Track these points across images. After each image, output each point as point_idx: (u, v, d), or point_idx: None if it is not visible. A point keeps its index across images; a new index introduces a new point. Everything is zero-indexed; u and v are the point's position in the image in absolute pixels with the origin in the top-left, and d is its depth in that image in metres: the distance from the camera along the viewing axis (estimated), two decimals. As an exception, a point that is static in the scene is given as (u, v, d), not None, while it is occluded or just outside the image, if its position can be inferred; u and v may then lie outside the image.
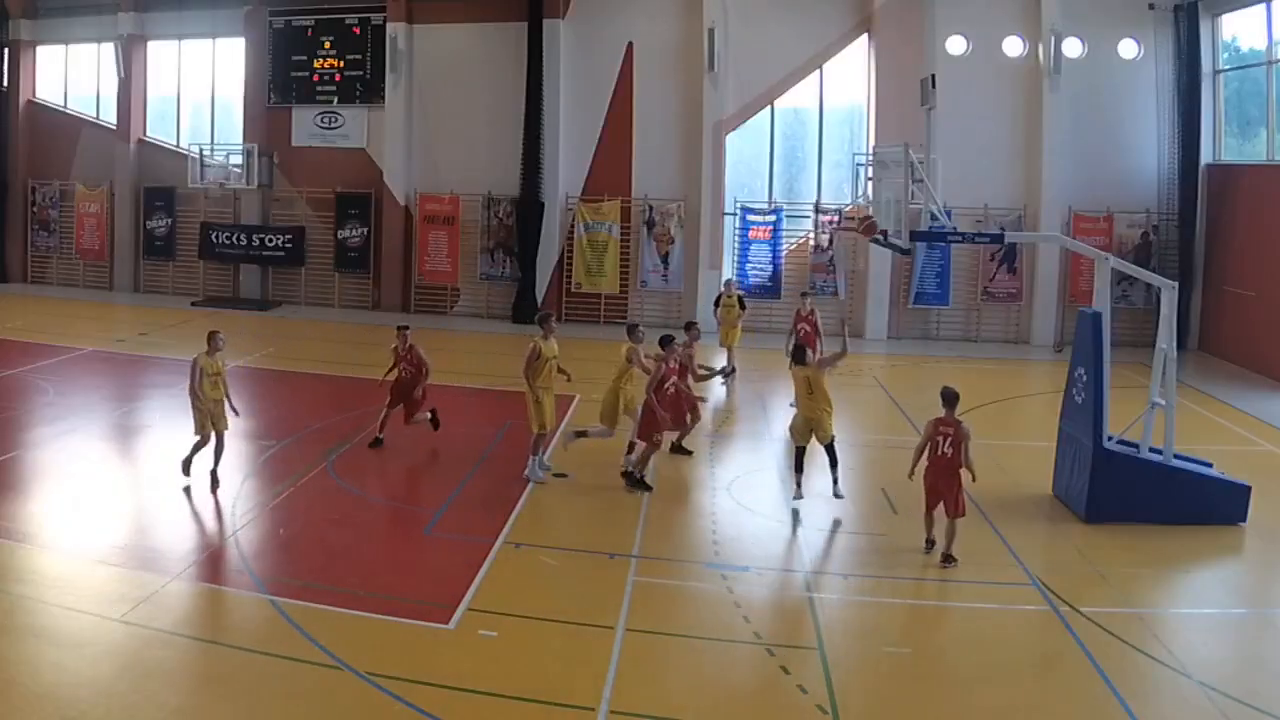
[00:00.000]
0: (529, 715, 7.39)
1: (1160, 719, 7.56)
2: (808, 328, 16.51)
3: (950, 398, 10.31)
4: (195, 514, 11.27)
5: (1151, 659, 8.36)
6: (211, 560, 9.80)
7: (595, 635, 8.54)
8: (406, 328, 13.89)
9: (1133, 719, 7.45)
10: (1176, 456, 11.66)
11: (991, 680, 8.09)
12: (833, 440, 11.72)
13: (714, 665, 8.29)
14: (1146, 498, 11.43)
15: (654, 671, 8.08)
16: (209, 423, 11.73)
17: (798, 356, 11.95)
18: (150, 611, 8.62)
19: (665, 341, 12.50)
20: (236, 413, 12.03)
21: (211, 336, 12.00)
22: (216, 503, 11.47)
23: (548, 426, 12.32)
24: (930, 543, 10.50)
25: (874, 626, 9.08)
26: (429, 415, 13.77)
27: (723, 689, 7.93)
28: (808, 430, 11.74)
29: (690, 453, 13.65)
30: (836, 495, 11.66)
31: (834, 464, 11.69)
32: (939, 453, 10.17)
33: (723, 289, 19.19)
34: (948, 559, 10.20)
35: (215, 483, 11.76)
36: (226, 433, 11.93)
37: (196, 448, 11.85)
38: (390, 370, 13.69)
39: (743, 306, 18.65)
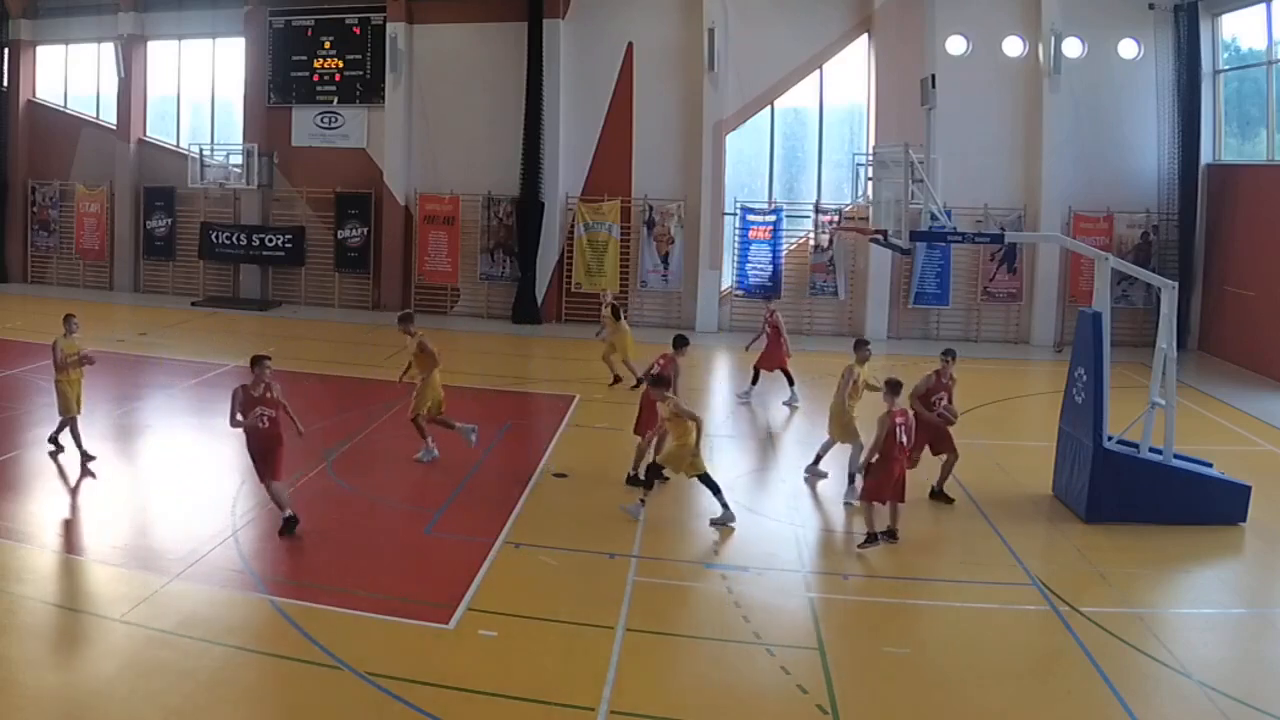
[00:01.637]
0: (529, 715, 7.40)
1: (1160, 719, 7.56)
2: (770, 330, 16.65)
3: (897, 386, 10.71)
4: (195, 514, 11.26)
5: (1151, 659, 8.37)
6: (211, 560, 9.78)
7: (595, 635, 8.54)
8: (267, 359, 10.58)
9: (1133, 719, 7.46)
10: (1176, 456, 11.67)
11: (991, 680, 8.09)
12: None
13: (714, 665, 8.28)
14: (1146, 498, 11.43)
15: (654, 671, 8.09)
16: (75, 404, 12.67)
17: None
18: (150, 611, 8.63)
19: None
20: (92, 361, 13.01)
21: (67, 320, 12.95)
22: (217, 502, 11.47)
23: (419, 411, 13.05)
24: (893, 533, 10.64)
25: (874, 626, 9.08)
26: (284, 514, 10.37)
27: (723, 689, 7.93)
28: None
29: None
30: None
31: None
32: (898, 441, 10.44)
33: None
34: (879, 539, 10.48)
35: (57, 449, 12.83)
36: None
37: (64, 425, 12.72)
38: (247, 415, 10.32)
39: (617, 316, 17.59)
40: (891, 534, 10.60)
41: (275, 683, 7.63)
